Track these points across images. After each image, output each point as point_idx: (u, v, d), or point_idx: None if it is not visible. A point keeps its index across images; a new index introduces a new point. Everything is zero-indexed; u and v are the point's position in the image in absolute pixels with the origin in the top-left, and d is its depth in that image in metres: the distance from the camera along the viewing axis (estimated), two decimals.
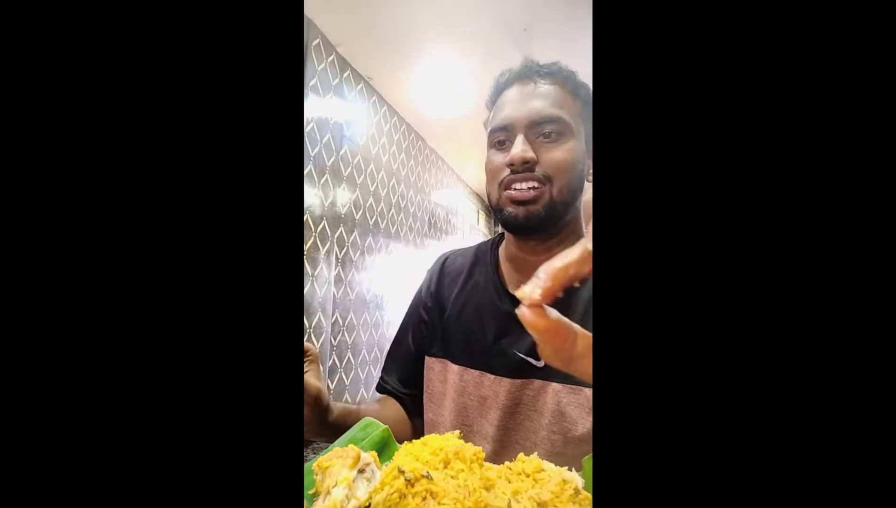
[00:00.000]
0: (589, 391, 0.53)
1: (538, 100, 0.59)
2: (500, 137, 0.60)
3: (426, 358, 0.70)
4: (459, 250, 0.77)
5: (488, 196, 0.63)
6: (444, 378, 0.67)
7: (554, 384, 0.57)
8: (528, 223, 0.57)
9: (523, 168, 0.56)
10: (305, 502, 0.31)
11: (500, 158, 0.60)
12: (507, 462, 0.35)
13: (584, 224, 0.64)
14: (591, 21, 0.22)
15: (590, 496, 0.31)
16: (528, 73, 0.61)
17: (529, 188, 0.57)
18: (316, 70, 1.62)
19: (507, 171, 0.58)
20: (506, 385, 0.60)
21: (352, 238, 1.85)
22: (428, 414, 0.67)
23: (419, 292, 0.76)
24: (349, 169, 1.83)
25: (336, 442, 0.41)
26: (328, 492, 0.31)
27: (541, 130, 0.58)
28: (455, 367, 0.66)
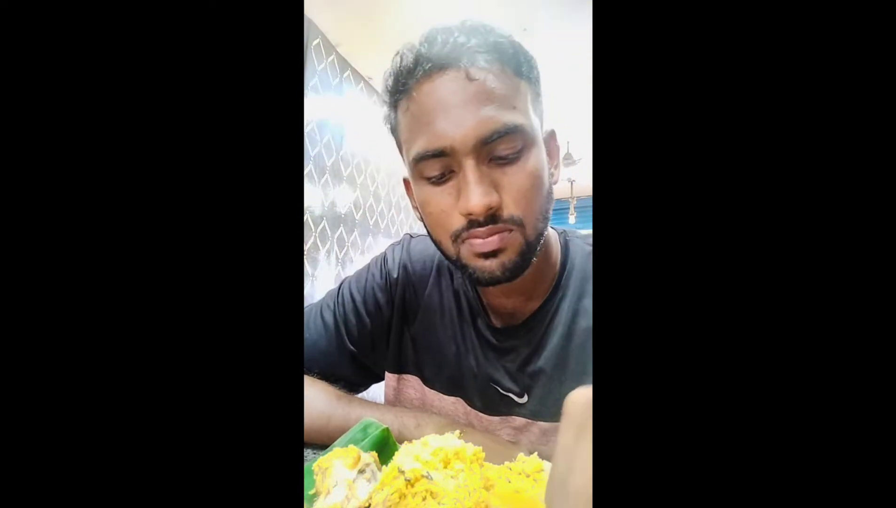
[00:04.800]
0: None
1: (481, 102, 0.39)
2: (436, 171, 0.41)
3: (388, 374, 0.57)
4: (424, 236, 0.57)
5: (438, 245, 0.45)
6: (422, 395, 0.55)
7: (540, 424, 0.48)
8: (504, 276, 0.42)
9: (487, 216, 0.40)
10: (305, 502, 0.31)
11: (444, 199, 0.41)
12: (507, 462, 0.35)
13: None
14: (590, 21, 0.22)
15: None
16: (450, 53, 0.39)
17: (498, 238, 0.40)
18: (316, 70, 1.63)
19: (461, 220, 0.41)
20: (483, 421, 0.51)
21: (352, 238, 1.85)
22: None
23: (369, 281, 0.56)
24: (349, 169, 1.83)
25: (336, 442, 0.41)
26: (328, 492, 0.31)
27: (495, 150, 0.39)
28: (428, 390, 0.55)
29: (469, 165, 0.39)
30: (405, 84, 0.42)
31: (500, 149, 0.40)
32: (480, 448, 0.35)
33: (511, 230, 0.41)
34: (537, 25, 1.70)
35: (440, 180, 0.42)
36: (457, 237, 0.42)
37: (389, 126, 0.47)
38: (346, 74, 1.80)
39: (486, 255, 0.41)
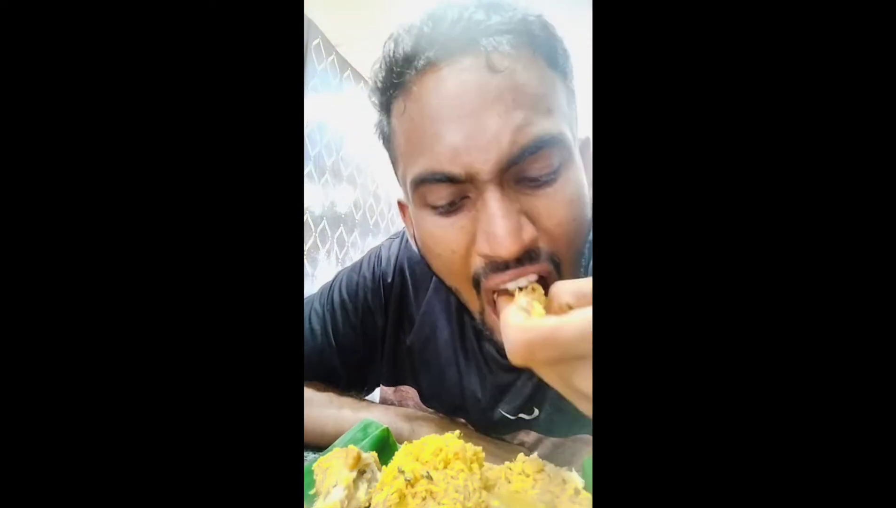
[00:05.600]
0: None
1: (507, 105, 0.28)
2: (442, 198, 0.30)
3: (383, 387, 0.51)
4: None
5: (456, 294, 0.35)
6: (420, 408, 0.50)
7: (553, 439, 0.43)
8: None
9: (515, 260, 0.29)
10: (305, 502, 0.31)
11: (455, 236, 0.31)
12: (507, 462, 0.35)
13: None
14: (591, 21, 0.22)
15: (590, 496, 0.31)
16: (468, 36, 0.29)
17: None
18: (316, 70, 1.63)
19: (481, 261, 0.31)
20: (485, 440, 0.43)
21: (352, 238, 1.85)
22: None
23: (360, 284, 0.48)
24: (349, 169, 1.83)
25: (336, 442, 0.41)
26: (328, 492, 0.30)
27: (525, 170, 0.29)
28: (428, 408, 0.49)
29: (492, 195, 0.29)
30: (401, 77, 0.31)
31: (532, 169, 0.29)
32: (480, 448, 0.35)
33: (548, 275, 0.31)
34: None
35: (450, 210, 0.31)
36: (475, 283, 0.31)
37: (381, 136, 0.36)
38: (346, 74, 1.80)
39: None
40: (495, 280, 0.30)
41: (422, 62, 0.30)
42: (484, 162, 0.28)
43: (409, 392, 0.50)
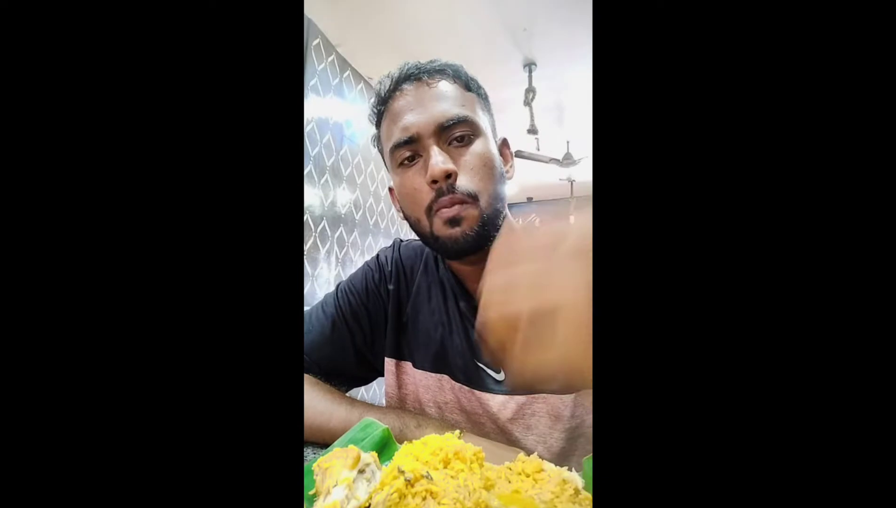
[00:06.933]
0: (553, 398, 0.52)
1: (438, 101, 0.51)
2: (407, 153, 0.52)
3: (388, 361, 0.63)
4: (411, 240, 0.69)
5: (415, 225, 0.54)
6: (415, 381, 0.61)
7: (517, 398, 0.54)
8: (466, 244, 0.50)
9: (447, 185, 0.49)
10: (305, 502, 0.31)
11: (415, 178, 0.51)
12: (507, 463, 0.35)
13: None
14: (591, 21, 0.22)
15: (590, 496, 0.31)
16: (414, 72, 0.54)
17: (459, 207, 0.50)
18: (316, 70, 1.63)
19: (432, 192, 0.50)
20: (468, 396, 0.56)
21: (352, 238, 1.85)
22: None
23: (367, 274, 0.65)
24: (349, 169, 1.83)
25: (336, 442, 0.41)
26: (328, 492, 0.30)
27: (451, 134, 0.51)
28: (418, 373, 0.61)
29: (431, 144, 0.50)
30: (385, 102, 0.55)
31: (455, 133, 0.51)
32: (480, 448, 0.35)
33: (468, 203, 0.50)
34: (537, 25, 1.70)
35: (411, 163, 0.52)
36: (429, 211, 0.51)
37: (377, 143, 0.59)
38: (346, 74, 1.80)
39: (451, 223, 0.50)
40: (439, 204, 0.50)
41: (394, 91, 0.54)
42: (425, 126, 0.51)
43: (407, 367, 0.62)
